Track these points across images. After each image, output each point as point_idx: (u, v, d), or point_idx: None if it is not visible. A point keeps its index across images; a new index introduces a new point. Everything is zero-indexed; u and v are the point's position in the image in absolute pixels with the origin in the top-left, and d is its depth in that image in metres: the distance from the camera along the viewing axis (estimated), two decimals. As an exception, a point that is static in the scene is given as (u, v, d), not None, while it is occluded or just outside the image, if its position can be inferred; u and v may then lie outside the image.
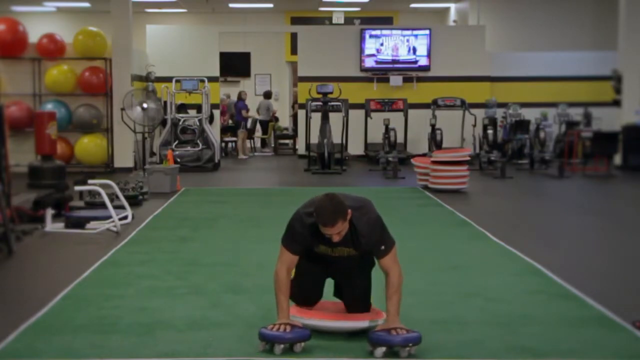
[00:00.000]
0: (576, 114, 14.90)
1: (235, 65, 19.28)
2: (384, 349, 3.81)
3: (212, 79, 15.04)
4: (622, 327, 4.35)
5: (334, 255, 4.07)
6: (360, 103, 14.92)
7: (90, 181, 7.82)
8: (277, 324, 3.92)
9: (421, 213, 8.88)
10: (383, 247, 3.95)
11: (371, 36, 15.90)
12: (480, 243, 6.95)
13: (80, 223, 7.57)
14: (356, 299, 4.24)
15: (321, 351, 3.94)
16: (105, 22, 13.75)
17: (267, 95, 18.14)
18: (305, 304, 4.27)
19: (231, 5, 18.76)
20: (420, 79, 15.90)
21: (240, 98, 17.02)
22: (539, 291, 5.19)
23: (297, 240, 3.98)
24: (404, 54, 15.87)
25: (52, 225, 7.57)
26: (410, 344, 3.81)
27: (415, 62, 15.87)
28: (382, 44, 15.87)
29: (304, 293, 4.26)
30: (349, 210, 3.86)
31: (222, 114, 16.91)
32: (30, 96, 13.36)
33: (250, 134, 17.55)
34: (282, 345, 3.85)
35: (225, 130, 17.02)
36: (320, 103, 13.91)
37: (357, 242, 3.96)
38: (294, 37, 17.67)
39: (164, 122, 13.99)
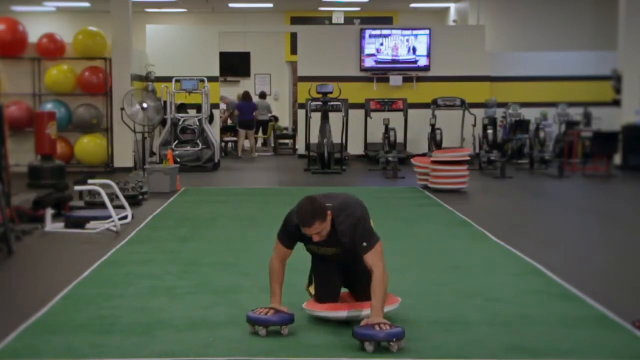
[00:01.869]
0: (576, 114, 14.89)
1: (235, 65, 19.27)
2: (371, 344, 3.91)
3: (212, 79, 15.03)
4: (622, 327, 4.35)
5: (319, 253, 4.31)
6: (360, 103, 14.91)
7: (90, 181, 7.82)
8: (264, 308, 4.19)
9: (421, 213, 8.88)
10: (365, 244, 4.10)
11: (371, 36, 15.90)
12: (480, 243, 6.94)
13: (80, 223, 7.57)
14: (360, 287, 4.39)
15: (320, 350, 3.95)
16: (105, 22, 13.75)
17: (263, 95, 18.18)
18: (324, 300, 4.40)
19: (231, 5, 18.75)
20: (420, 79, 15.89)
21: (250, 98, 16.95)
22: (539, 291, 5.19)
23: (290, 236, 4.27)
24: (404, 54, 15.85)
25: (52, 225, 7.57)
26: (394, 339, 3.89)
27: (415, 62, 15.86)
28: (382, 44, 15.87)
29: (321, 291, 4.44)
30: (329, 212, 4.08)
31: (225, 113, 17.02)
32: (30, 96, 13.36)
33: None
34: (264, 329, 4.11)
35: (225, 130, 17.03)
36: (320, 103, 13.91)
37: (340, 241, 4.17)
38: (294, 37, 17.66)
39: (164, 122, 13.99)
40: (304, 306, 4.43)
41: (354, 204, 4.24)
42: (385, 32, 16.08)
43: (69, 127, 13.20)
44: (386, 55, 15.80)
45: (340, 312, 4.32)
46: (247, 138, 16.79)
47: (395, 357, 3.84)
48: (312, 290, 4.51)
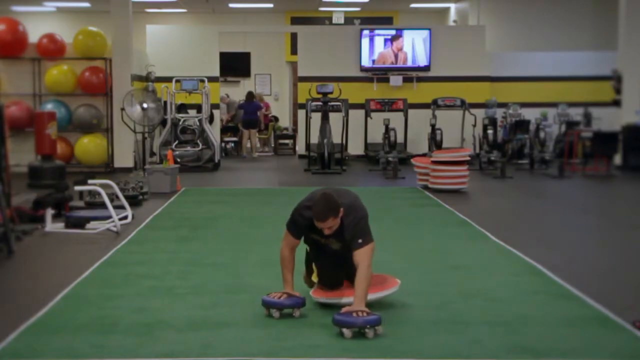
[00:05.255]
0: (576, 114, 14.90)
1: (235, 65, 19.26)
2: (350, 330, 4.07)
3: (212, 79, 15.05)
4: (622, 327, 4.35)
5: (326, 244, 4.52)
6: (360, 103, 14.92)
7: (90, 181, 7.82)
8: (278, 293, 4.49)
9: (421, 213, 8.88)
10: (360, 241, 4.34)
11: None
12: (480, 243, 6.94)
13: (80, 223, 7.57)
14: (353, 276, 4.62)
15: (320, 350, 3.95)
16: (105, 22, 13.76)
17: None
18: (330, 288, 4.67)
19: (231, 5, 18.76)
20: (420, 79, 15.90)
21: (252, 98, 16.97)
22: (539, 291, 5.19)
23: (299, 228, 4.53)
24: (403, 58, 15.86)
25: (52, 225, 7.57)
26: (369, 326, 4.06)
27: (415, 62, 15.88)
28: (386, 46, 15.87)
29: (325, 279, 4.70)
30: (342, 209, 4.32)
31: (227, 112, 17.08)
32: (30, 96, 13.37)
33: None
34: (278, 311, 4.42)
35: (225, 130, 17.04)
36: (320, 103, 13.90)
37: (343, 235, 4.38)
38: (294, 37, 17.67)
39: (164, 122, 13.99)
40: (311, 293, 4.70)
41: (360, 205, 4.51)
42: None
43: (69, 127, 13.21)
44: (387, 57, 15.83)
45: (321, 298, 4.64)
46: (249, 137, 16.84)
47: (395, 357, 3.84)
48: (314, 278, 4.75)
